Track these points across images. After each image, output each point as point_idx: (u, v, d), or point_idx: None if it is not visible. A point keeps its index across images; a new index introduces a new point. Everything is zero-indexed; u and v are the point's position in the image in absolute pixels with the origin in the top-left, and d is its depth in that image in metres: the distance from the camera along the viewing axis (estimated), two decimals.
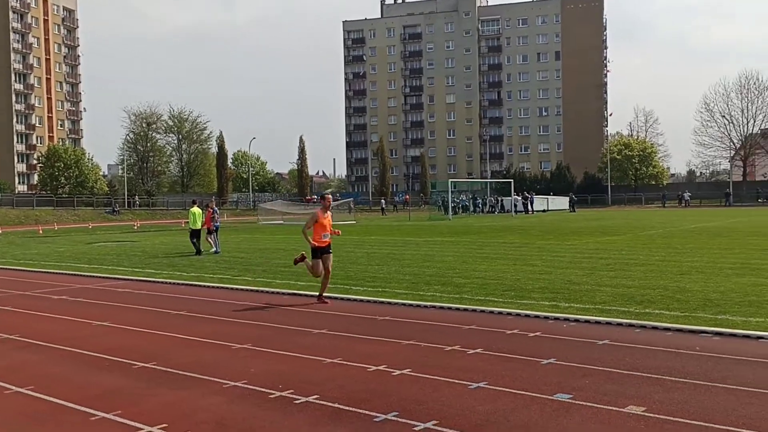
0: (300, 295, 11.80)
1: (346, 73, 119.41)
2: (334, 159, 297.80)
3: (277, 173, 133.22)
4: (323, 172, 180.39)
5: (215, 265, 17.48)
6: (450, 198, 54.39)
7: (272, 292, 12.25)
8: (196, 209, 21.77)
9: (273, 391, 5.90)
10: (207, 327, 9.14)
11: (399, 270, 15.00)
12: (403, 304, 10.46)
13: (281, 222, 47.76)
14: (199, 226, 21.28)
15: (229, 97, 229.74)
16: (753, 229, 26.68)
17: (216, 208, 22.72)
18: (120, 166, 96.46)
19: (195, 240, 21.07)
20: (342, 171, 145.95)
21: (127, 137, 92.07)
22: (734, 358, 6.62)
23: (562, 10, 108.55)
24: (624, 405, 5.25)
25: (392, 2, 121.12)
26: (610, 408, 5.20)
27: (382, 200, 75.50)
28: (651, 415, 5.01)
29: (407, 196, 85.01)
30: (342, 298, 11.21)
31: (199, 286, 13.61)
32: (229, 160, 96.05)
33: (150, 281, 14.66)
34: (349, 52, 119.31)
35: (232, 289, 12.95)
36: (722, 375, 6.03)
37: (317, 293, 11.10)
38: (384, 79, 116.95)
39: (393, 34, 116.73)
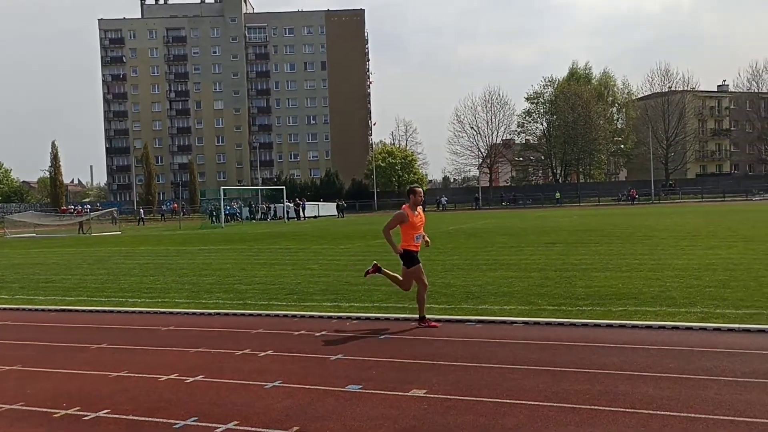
0: (69, 311, 11.05)
1: (104, 75, 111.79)
2: (91, 166, 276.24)
3: (24, 181, 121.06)
4: (79, 180, 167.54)
5: None
6: (222, 206, 53.50)
7: (36, 310, 11.31)
8: None
9: (57, 410, 5.57)
10: None
11: (177, 280, 14.61)
12: (186, 313, 10.29)
13: (34, 235, 43.54)
14: None
15: None
16: (499, 229, 29.86)
17: None
18: None
19: None
20: (101, 179, 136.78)
21: None
22: (495, 341, 7.54)
23: (326, 22, 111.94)
24: (408, 389, 5.78)
25: (153, 2, 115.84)
26: (397, 393, 5.70)
27: (141, 210, 71.07)
28: (431, 395, 5.59)
29: (175, 205, 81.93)
30: (118, 311, 10.71)
31: None
32: None
33: None
34: (107, 52, 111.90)
35: None
36: (487, 356, 6.86)
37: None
38: (147, 82, 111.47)
39: (155, 36, 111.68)
